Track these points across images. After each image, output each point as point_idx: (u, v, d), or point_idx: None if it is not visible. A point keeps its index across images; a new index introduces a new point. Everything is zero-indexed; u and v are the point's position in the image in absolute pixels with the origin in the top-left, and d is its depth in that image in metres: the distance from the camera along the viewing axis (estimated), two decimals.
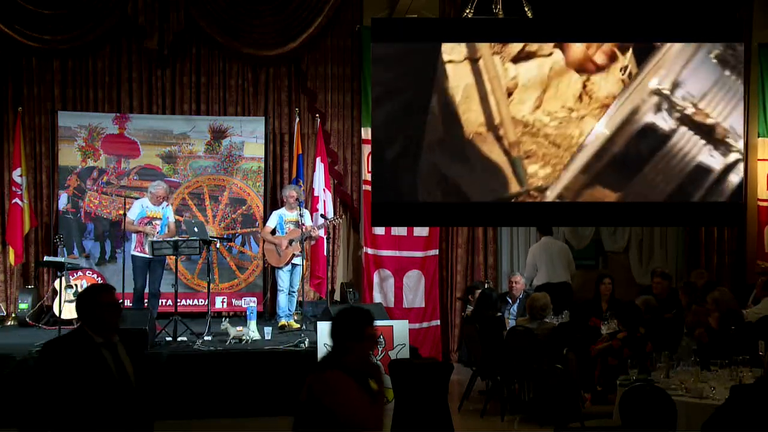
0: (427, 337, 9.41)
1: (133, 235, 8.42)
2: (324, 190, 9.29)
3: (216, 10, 9.30)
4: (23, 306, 8.81)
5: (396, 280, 9.37)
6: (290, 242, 8.46)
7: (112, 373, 3.73)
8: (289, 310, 8.57)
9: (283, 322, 8.41)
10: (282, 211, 8.65)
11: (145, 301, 8.50)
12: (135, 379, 3.84)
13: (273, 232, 8.54)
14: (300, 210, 8.50)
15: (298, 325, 8.48)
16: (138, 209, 8.44)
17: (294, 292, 8.58)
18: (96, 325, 3.78)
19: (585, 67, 7.35)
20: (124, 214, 8.45)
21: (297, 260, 8.54)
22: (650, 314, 6.61)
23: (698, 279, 8.36)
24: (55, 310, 8.42)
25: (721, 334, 6.01)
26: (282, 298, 8.53)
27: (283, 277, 8.50)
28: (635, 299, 6.98)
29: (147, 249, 8.22)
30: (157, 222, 8.42)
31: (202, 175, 9.49)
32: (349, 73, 9.72)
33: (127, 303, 8.62)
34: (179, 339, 7.56)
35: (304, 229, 8.42)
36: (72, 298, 8.62)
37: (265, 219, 8.92)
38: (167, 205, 8.64)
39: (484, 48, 7.23)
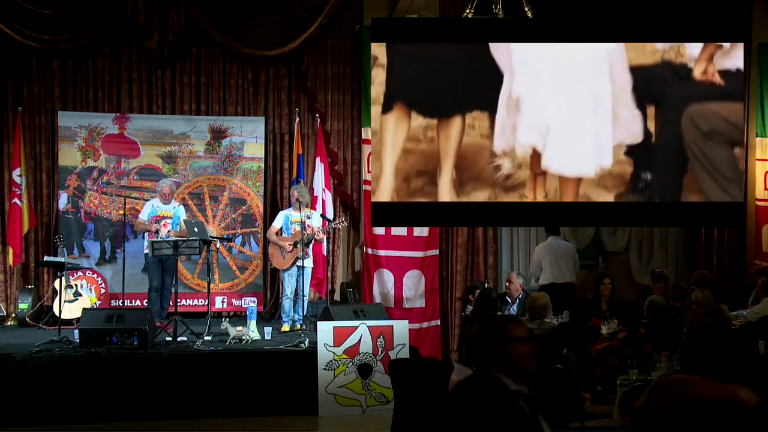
0: (427, 337, 9.41)
1: (145, 235, 8.43)
2: (324, 190, 9.29)
3: (216, 10, 9.30)
4: (23, 306, 8.81)
5: (396, 281, 9.36)
6: (294, 245, 8.36)
7: None
8: (297, 315, 8.34)
9: (285, 327, 8.28)
10: (289, 211, 8.54)
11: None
12: None
13: (279, 232, 8.48)
14: (308, 211, 8.39)
15: (299, 325, 8.45)
16: (149, 209, 8.51)
17: (302, 296, 8.34)
18: (507, 368, 2.91)
19: None
20: (124, 214, 8.46)
21: (306, 263, 8.32)
22: (654, 314, 6.60)
23: (699, 280, 8.33)
24: (55, 310, 8.41)
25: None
26: (286, 303, 8.39)
27: (288, 282, 8.37)
28: (648, 298, 6.96)
29: (147, 248, 8.23)
30: (168, 221, 8.45)
31: (202, 175, 9.49)
32: (349, 73, 9.72)
33: (127, 303, 8.66)
34: (179, 339, 7.56)
35: (308, 231, 8.28)
36: (72, 298, 8.64)
37: (265, 219, 8.90)
38: (178, 205, 8.68)
39: None
